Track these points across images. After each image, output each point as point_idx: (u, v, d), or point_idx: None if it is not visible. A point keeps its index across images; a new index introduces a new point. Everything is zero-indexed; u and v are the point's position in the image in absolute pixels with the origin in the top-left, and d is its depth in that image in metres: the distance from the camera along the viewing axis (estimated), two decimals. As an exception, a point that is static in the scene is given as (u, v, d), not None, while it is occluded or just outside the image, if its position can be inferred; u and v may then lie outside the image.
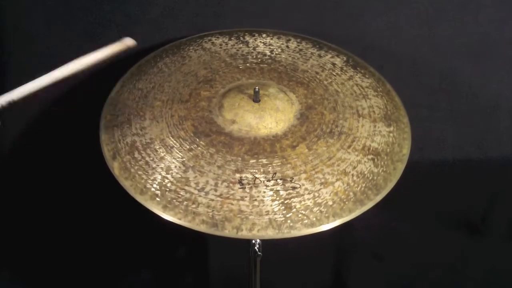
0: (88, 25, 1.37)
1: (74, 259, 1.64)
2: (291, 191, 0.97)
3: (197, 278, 1.77)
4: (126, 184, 0.99)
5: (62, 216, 1.59)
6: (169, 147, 1.03)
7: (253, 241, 1.11)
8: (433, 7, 1.39)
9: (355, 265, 1.77)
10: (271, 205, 0.94)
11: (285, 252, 1.46)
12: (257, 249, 1.11)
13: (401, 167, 1.06)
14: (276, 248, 1.17)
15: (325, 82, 1.20)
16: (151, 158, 1.02)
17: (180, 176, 0.99)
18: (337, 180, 1.00)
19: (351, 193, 0.98)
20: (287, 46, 1.29)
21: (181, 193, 0.96)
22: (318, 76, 1.21)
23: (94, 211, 1.59)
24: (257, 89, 1.10)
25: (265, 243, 1.11)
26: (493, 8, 1.40)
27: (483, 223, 1.70)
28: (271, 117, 1.09)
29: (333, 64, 1.24)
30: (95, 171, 1.20)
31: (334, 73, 1.22)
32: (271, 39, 1.30)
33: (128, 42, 1.04)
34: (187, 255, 1.76)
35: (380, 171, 1.03)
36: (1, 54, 1.37)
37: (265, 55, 1.26)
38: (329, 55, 1.27)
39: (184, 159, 1.01)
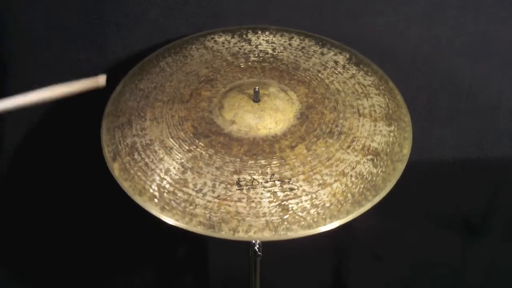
0: (88, 25, 1.37)
1: (74, 259, 1.65)
2: (288, 192, 0.97)
3: (197, 278, 1.78)
4: (125, 185, 0.99)
5: (62, 216, 1.60)
6: (168, 148, 1.03)
7: (253, 241, 1.11)
8: (433, 7, 1.39)
9: (355, 265, 1.77)
10: (268, 207, 0.95)
11: (285, 252, 1.46)
12: (257, 249, 1.12)
13: (401, 167, 1.05)
14: (276, 248, 1.17)
15: (327, 81, 1.19)
16: (151, 160, 1.02)
17: (178, 177, 0.99)
18: (335, 181, 0.99)
19: (349, 195, 0.98)
20: (290, 44, 1.28)
21: (179, 195, 0.96)
22: (319, 75, 1.21)
23: (94, 211, 1.59)
24: (257, 89, 1.10)
25: (265, 243, 1.11)
26: (493, 8, 1.39)
27: (483, 223, 1.70)
28: (271, 117, 1.09)
29: (336, 62, 1.24)
30: (95, 172, 1.20)
31: (336, 72, 1.22)
32: (274, 36, 1.30)
33: (100, 80, 1.05)
34: (187, 255, 1.76)
35: (379, 171, 1.03)
36: (1, 54, 1.37)
37: (267, 53, 1.26)
38: (332, 53, 1.26)
39: (183, 160, 1.01)
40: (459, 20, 1.41)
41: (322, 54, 1.26)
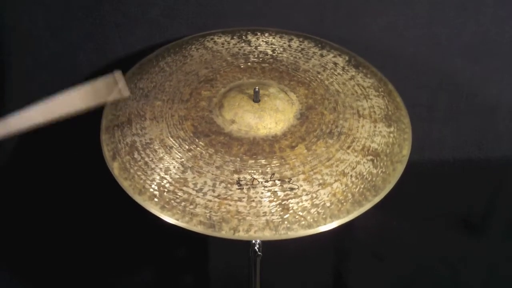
0: (88, 25, 1.37)
1: (74, 259, 1.64)
2: (289, 192, 0.97)
3: (197, 278, 1.77)
4: (125, 185, 0.99)
5: (62, 216, 1.60)
6: (168, 148, 1.03)
7: (253, 241, 1.11)
8: (433, 7, 1.39)
9: (355, 265, 1.77)
10: (268, 206, 0.94)
11: (285, 252, 1.46)
12: (257, 249, 1.11)
13: (400, 168, 1.05)
14: (276, 248, 1.17)
15: (326, 82, 1.20)
16: (150, 159, 1.02)
17: (178, 176, 0.99)
18: (335, 181, 0.99)
19: (349, 194, 0.98)
20: (289, 46, 1.29)
21: (179, 194, 0.96)
22: (319, 76, 1.21)
23: (94, 211, 1.59)
24: (257, 89, 1.10)
25: (265, 243, 1.11)
26: (493, 8, 1.39)
27: (483, 223, 1.70)
28: (271, 117, 1.09)
29: (335, 63, 1.24)
30: (95, 171, 1.20)
31: (335, 73, 1.22)
32: (273, 38, 1.30)
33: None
34: (187, 255, 1.76)
35: (379, 172, 1.03)
36: (1, 54, 1.37)
37: (266, 54, 1.26)
38: (331, 55, 1.27)
39: (183, 159, 1.01)
40: (459, 20, 1.41)
41: (322, 55, 1.26)
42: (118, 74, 0.97)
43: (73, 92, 0.97)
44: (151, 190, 0.97)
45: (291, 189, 0.97)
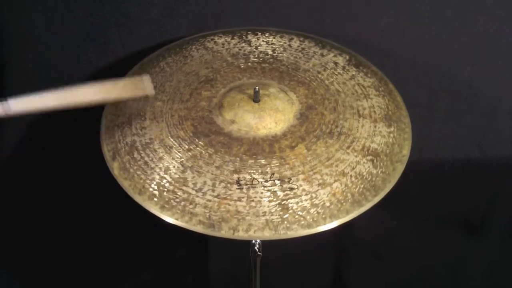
0: (88, 25, 1.37)
1: (74, 259, 1.64)
2: (288, 192, 0.97)
3: (197, 278, 1.77)
4: (125, 184, 0.99)
5: (62, 216, 1.60)
6: (168, 147, 1.03)
7: (253, 241, 1.11)
8: (433, 7, 1.39)
9: (355, 265, 1.77)
10: (268, 206, 0.94)
11: (285, 252, 1.46)
12: (257, 249, 1.11)
13: (400, 168, 1.05)
14: (276, 248, 1.17)
15: (327, 82, 1.20)
16: (150, 158, 1.02)
17: (178, 176, 0.99)
18: (335, 181, 0.99)
19: (349, 194, 0.98)
20: (290, 45, 1.28)
21: (179, 194, 0.96)
22: (319, 76, 1.21)
23: (94, 211, 1.59)
24: (257, 89, 1.10)
25: (265, 243, 1.11)
26: (493, 8, 1.39)
27: (483, 223, 1.70)
28: (271, 117, 1.09)
29: (335, 63, 1.24)
30: (95, 171, 1.20)
31: (336, 73, 1.22)
32: (274, 38, 1.30)
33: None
34: (187, 255, 1.76)
35: (379, 172, 1.03)
36: (1, 54, 1.37)
37: (267, 54, 1.26)
38: (332, 54, 1.27)
39: (182, 159, 1.01)
40: (459, 20, 1.41)
41: (322, 55, 1.26)
42: (146, 77, 1.02)
43: (96, 85, 1.00)
44: (151, 189, 0.97)
45: (291, 189, 0.97)
